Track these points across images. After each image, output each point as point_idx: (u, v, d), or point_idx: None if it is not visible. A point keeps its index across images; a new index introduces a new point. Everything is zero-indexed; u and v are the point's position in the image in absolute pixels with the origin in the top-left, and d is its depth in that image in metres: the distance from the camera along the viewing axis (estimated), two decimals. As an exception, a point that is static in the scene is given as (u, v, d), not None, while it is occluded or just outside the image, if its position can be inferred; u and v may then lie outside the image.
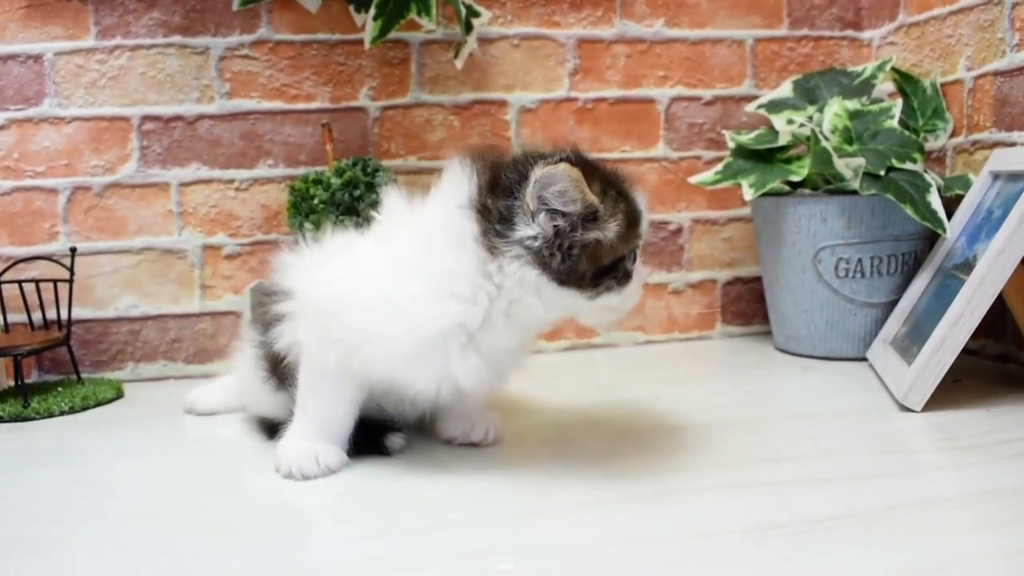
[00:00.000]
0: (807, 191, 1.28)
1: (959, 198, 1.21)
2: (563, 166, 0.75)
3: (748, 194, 1.25)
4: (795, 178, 1.25)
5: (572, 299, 0.79)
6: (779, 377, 1.23)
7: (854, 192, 1.20)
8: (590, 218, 0.77)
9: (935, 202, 1.15)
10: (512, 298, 0.80)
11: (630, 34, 1.43)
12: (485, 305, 0.80)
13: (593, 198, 0.77)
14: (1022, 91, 1.18)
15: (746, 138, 1.32)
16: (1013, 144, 1.19)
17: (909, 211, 1.14)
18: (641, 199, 0.83)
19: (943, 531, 0.69)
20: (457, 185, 0.80)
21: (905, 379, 1.03)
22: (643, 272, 0.85)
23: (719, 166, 1.32)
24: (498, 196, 0.78)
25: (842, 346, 1.28)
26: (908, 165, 1.20)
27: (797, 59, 1.49)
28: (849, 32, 1.50)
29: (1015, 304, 1.06)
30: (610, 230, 0.78)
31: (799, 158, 1.30)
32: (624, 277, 0.80)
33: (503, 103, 1.41)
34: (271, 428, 0.95)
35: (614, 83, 1.43)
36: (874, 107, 1.27)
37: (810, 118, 1.28)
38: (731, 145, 1.33)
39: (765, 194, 1.27)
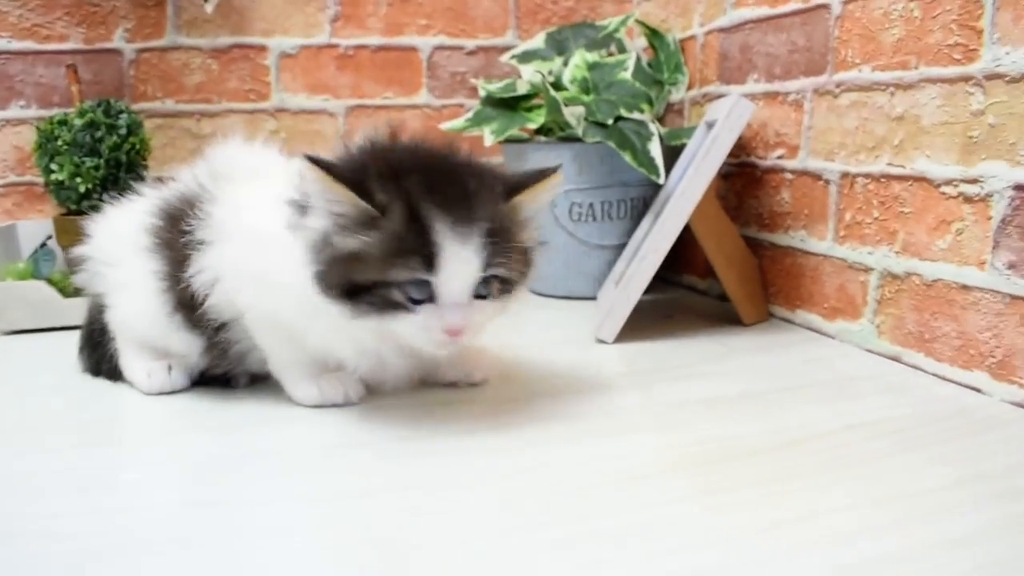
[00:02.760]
0: (543, 139, 1.34)
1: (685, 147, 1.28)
2: (302, 163, 0.70)
3: (488, 140, 1.29)
4: (533, 125, 1.30)
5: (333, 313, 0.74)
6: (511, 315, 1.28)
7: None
8: (363, 223, 0.71)
9: (654, 150, 1.21)
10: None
11: (393, -17, 1.46)
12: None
13: (357, 201, 0.70)
14: (737, 47, 1.25)
15: (495, 87, 1.36)
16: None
17: (628, 158, 1.20)
18: (450, 221, 0.70)
19: (624, 430, 0.81)
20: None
21: (600, 314, 1.09)
22: (443, 315, 0.72)
23: (470, 113, 1.36)
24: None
25: (580, 286, 1.34)
26: (636, 115, 1.26)
27: (560, 12, 1.53)
28: (613, -13, 1.56)
29: (704, 240, 1.13)
30: (371, 244, 0.70)
31: (541, 106, 1.35)
32: (386, 306, 0.71)
33: (263, 48, 1.42)
34: None
35: (376, 31, 1.45)
36: (611, 60, 1.33)
37: (550, 72, 1.33)
38: (482, 94, 1.37)
39: (511, 141, 1.32)
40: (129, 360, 0.91)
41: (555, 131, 1.32)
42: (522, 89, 1.31)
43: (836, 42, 1.06)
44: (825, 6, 1.07)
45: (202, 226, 0.81)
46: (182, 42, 1.39)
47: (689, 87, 1.38)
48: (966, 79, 0.88)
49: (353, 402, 0.85)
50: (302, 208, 0.74)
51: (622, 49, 1.43)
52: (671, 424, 0.82)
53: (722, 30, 1.28)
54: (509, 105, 1.35)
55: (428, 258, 0.69)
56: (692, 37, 1.38)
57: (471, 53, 1.50)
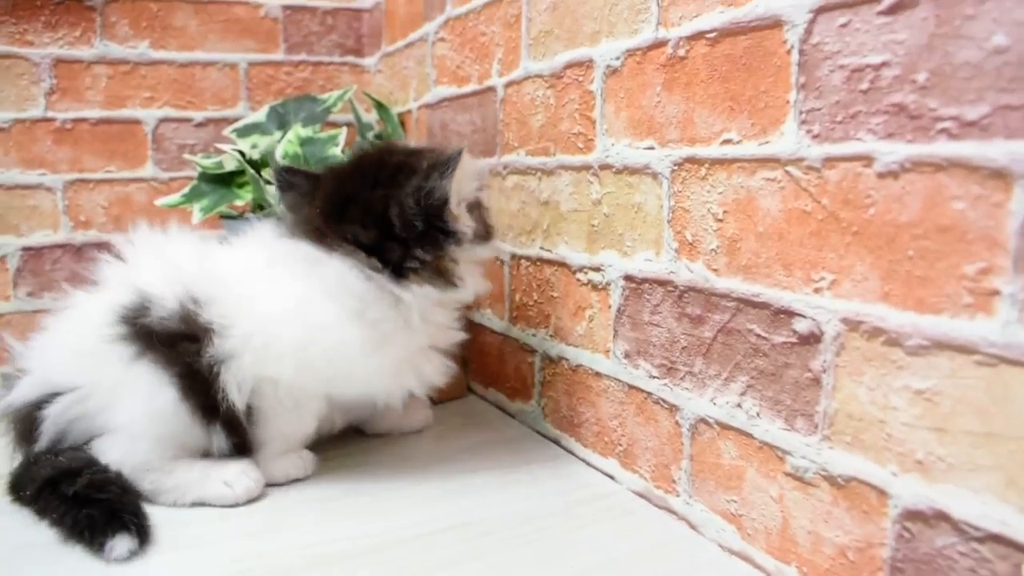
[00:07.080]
0: (252, 216, 1.31)
1: (397, 222, 1.27)
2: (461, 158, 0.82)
3: (197, 217, 1.26)
4: (240, 202, 1.28)
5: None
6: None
7: (292, 217, 1.23)
8: None
9: (358, 227, 1.20)
10: None
11: (112, 55, 1.41)
12: None
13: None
14: (439, 123, 1.25)
15: (208, 162, 1.33)
16: (436, 172, 1.26)
17: (327, 236, 1.18)
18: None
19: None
20: None
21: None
22: None
23: (186, 188, 1.32)
24: None
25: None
26: (343, 191, 1.24)
27: (296, 83, 1.52)
28: (350, 58, 1.55)
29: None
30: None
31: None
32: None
33: (-32, 122, 1.36)
34: None
35: (96, 103, 1.41)
36: (323, 134, 1.32)
37: (254, 145, 1.31)
38: (198, 169, 1.34)
39: (228, 217, 1.29)
40: (179, 479, 0.84)
41: (265, 207, 1.29)
42: (230, 165, 1.29)
43: (501, 125, 1.06)
44: (492, 89, 1.08)
45: (220, 320, 0.83)
46: None
47: (410, 160, 1.38)
48: (587, 168, 0.89)
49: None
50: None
51: (360, 121, 1.42)
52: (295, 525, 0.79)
53: (428, 106, 1.29)
54: (224, 181, 1.32)
55: None
56: (409, 111, 1.38)
57: (200, 125, 1.47)
